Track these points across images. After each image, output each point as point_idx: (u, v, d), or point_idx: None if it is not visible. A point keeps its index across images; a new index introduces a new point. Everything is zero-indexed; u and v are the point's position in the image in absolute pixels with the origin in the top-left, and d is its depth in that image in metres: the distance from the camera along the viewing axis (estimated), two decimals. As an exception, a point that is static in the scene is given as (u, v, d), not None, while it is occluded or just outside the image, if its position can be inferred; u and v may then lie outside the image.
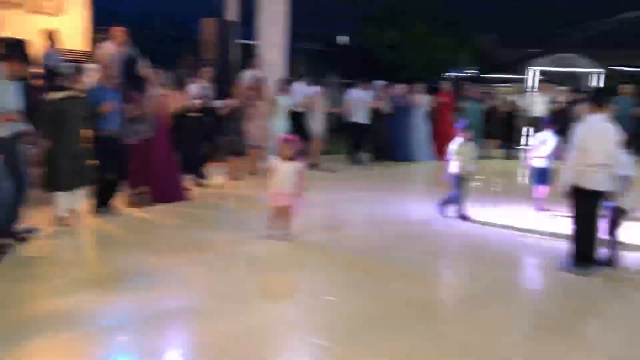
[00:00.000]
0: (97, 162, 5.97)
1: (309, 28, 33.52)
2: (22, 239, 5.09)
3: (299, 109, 9.67)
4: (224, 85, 8.55)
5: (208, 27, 11.01)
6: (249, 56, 10.74)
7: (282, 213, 5.53)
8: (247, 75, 9.75)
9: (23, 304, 3.93)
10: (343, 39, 34.32)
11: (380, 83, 11.51)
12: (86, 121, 5.75)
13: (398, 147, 11.37)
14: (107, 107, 5.88)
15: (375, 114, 10.92)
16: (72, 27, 11.39)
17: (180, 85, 7.44)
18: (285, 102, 9.10)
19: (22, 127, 5.01)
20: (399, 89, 11.74)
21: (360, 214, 7.24)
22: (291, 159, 5.46)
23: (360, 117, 10.70)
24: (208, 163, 8.09)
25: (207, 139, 7.95)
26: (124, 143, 6.26)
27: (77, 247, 5.33)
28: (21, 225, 5.16)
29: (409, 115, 11.50)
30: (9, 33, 7.82)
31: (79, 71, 5.90)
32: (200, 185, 7.81)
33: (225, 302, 4.11)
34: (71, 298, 4.05)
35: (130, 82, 6.42)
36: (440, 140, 11.08)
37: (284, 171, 5.42)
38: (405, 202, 7.87)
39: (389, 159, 11.16)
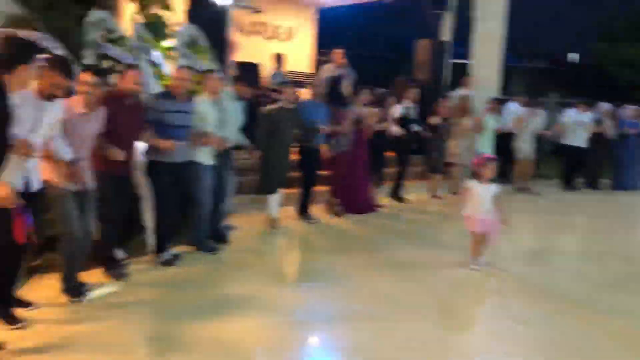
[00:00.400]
0: (300, 171, 6.58)
1: (536, 46, 31.92)
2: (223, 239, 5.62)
3: (508, 130, 9.34)
4: (430, 105, 8.66)
5: (422, 48, 11.26)
6: (461, 75, 10.72)
7: (479, 239, 5.26)
8: (456, 94, 9.77)
9: (219, 287, 4.55)
10: (572, 57, 31.85)
11: (604, 105, 10.49)
12: (297, 132, 6.36)
13: (620, 175, 10.22)
14: (325, 129, 6.43)
15: (597, 137, 9.99)
16: (300, 51, 12.64)
17: (380, 104, 7.72)
18: (493, 122, 8.88)
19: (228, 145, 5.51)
20: (630, 110, 10.53)
21: (573, 245, 6.65)
22: (491, 180, 5.19)
23: (578, 140, 9.89)
24: (404, 180, 8.25)
25: (403, 157, 8.11)
26: (325, 155, 6.72)
27: (278, 246, 5.94)
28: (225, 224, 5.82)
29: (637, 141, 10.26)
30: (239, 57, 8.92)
31: (289, 86, 6.44)
32: (398, 200, 8.06)
33: (407, 313, 4.22)
34: (264, 288, 4.55)
35: (333, 99, 6.91)
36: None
37: (481, 194, 5.16)
38: (629, 235, 7.07)
39: (607, 187, 10.11)
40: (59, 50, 4.45)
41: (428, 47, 11.09)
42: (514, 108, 9.74)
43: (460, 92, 9.98)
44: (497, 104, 9.26)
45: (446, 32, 11.51)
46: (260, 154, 6.08)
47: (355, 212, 7.12)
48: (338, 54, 9.42)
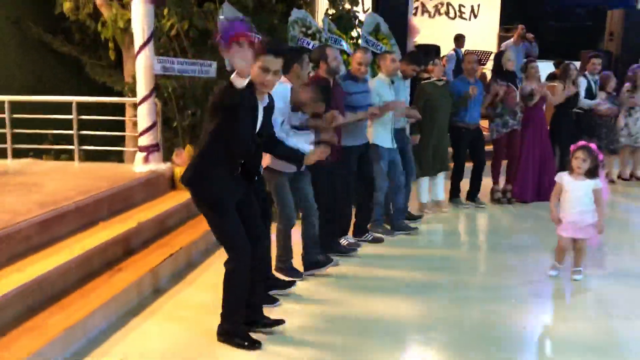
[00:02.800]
0: (453, 152, 6.47)
1: None
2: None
3: None
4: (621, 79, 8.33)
5: (615, 18, 10.75)
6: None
7: (568, 246, 4.49)
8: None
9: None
10: None
11: None
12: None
13: None
14: (473, 90, 6.09)
15: None
16: (484, 29, 12.82)
17: (562, 77, 7.22)
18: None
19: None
20: None
21: None
22: (588, 174, 4.28)
23: None
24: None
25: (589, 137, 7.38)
26: (488, 137, 6.53)
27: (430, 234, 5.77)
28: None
29: None
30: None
31: (437, 63, 6.23)
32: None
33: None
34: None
35: (499, 74, 6.59)
36: None
37: (573, 190, 4.33)
38: None
39: None
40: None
41: (622, 17, 10.55)
42: None
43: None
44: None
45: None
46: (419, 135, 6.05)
47: (522, 200, 6.75)
48: (518, 29, 9.57)
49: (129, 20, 6.51)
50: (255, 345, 3.31)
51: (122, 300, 3.74)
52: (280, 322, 3.56)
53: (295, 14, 6.40)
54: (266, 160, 4.09)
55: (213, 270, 4.43)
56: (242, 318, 3.37)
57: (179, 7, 6.43)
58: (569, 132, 7.05)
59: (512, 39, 10.70)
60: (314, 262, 4.48)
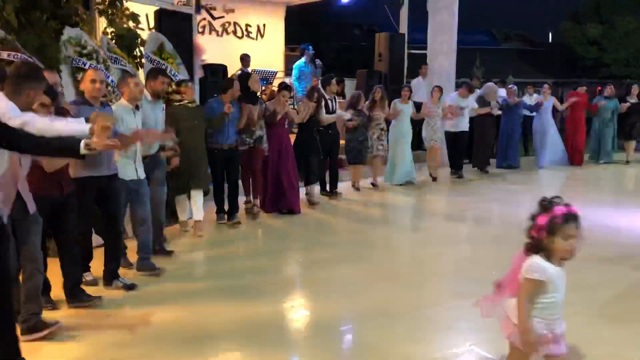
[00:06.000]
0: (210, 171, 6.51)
1: (511, 29, 32.61)
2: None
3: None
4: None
5: (382, 41, 12.01)
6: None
7: None
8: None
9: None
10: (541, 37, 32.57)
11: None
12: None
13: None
14: (228, 107, 6.21)
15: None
16: (271, 49, 13.34)
17: (309, 96, 7.80)
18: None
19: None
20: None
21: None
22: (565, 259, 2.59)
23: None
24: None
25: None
26: (237, 153, 6.69)
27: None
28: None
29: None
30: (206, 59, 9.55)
31: (189, 86, 6.28)
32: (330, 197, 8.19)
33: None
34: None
35: (244, 94, 6.75)
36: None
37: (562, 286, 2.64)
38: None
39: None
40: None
41: (387, 39, 11.83)
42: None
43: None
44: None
45: (403, 24, 12.32)
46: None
47: (271, 211, 7.26)
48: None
49: None
50: None
51: None
52: None
53: (68, 32, 6.01)
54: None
55: None
56: None
57: None
58: (310, 147, 7.73)
59: (302, 58, 11.30)
60: (34, 325, 3.67)
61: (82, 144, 3.09)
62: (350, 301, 4.46)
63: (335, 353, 3.64)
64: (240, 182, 7.01)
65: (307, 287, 4.95)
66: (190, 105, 6.14)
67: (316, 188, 8.12)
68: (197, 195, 6.26)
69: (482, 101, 10.22)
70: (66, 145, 3.09)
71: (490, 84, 10.82)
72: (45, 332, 3.67)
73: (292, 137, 7.81)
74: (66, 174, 4.13)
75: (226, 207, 6.85)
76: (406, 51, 12.25)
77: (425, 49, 11.88)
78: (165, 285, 4.78)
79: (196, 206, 6.29)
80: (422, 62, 11.85)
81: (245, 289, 4.72)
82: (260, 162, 7.07)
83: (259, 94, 7.27)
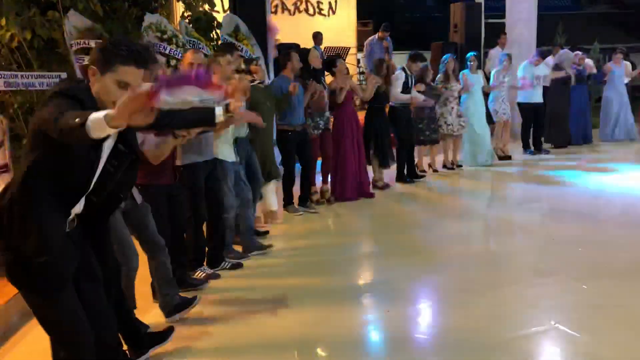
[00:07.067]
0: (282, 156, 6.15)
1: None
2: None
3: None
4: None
5: (457, 11, 11.65)
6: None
7: None
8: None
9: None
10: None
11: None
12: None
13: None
14: (294, 87, 5.74)
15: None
16: (343, 25, 13.26)
17: (377, 72, 7.37)
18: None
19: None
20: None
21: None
22: None
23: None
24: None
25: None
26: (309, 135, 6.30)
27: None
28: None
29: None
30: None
31: (257, 64, 5.99)
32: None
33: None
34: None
35: (305, 73, 6.43)
36: None
37: None
38: None
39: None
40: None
41: (463, 9, 11.46)
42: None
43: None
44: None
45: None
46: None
47: (343, 199, 6.73)
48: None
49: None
50: None
51: None
52: None
53: (149, 18, 6.23)
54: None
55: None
56: None
57: (19, 15, 5.98)
58: (382, 127, 7.23)
59: (377, 35, 11.18)
60: (176, 306, 3.71)
61: (218, 110, 2.91)
62: (431, 278, 4.44)
63: (415, 330, 3.64)
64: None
65: (388, 268, 4.82)
66: (260, 85, 5.75)
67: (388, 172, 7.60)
68: (271, 184, 5.85)
69: (559, 70, 9.73)
70: (199, 117, 2.95)
71: (565, 50, 10.23)
72: (189, 308, 3.72)
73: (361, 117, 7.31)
74: (173, 163, 4.02)
75: (297, 194, 6.41)
76: (483, 21, 11.80)
77: (504, 17, 11.44)
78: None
79: (271, 195, 5.90)
80: (501, 32, 11.39)
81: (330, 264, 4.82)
82: (332, 146, 6.71)
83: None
